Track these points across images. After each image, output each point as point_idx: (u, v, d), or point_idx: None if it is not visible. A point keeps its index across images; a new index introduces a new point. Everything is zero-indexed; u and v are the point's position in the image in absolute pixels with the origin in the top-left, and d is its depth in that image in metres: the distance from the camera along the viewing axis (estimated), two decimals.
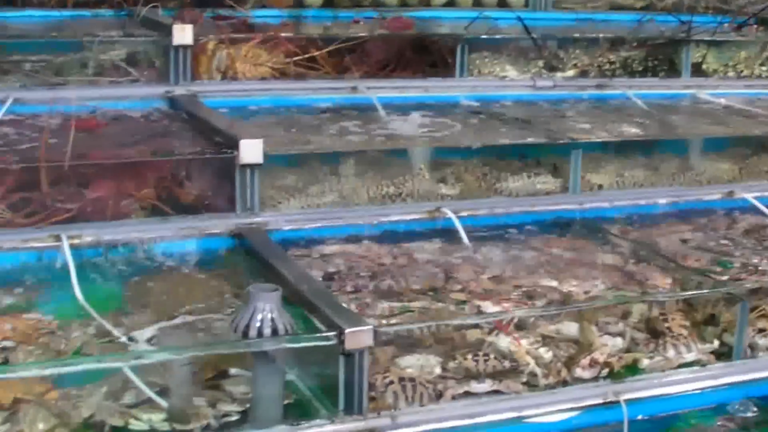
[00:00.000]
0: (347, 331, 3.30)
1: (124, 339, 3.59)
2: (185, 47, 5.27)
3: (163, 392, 3.43)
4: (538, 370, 3.71)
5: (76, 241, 4.14)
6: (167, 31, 5.32)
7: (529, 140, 5.27)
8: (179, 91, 5.24)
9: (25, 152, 4.44)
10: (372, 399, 3.43)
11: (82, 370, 3.36)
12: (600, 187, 5.31)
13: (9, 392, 3.37)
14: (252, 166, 4.41)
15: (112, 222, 4.35)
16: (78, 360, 3.46)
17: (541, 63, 6.42)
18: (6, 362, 3.47)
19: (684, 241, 4.81)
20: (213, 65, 5.56)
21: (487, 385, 3.62)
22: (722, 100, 6.28)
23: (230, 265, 4.25)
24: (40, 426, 3.27)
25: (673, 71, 6.64)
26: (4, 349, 3.56)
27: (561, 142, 5.18)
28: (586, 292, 4.15)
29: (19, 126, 4.73)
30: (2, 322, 3.71)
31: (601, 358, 3.78)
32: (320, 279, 4.06)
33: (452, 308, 3.96)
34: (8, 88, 5.05)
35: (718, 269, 4.43)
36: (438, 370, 3.68)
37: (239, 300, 3.59)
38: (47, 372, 3.41)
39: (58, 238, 4.13)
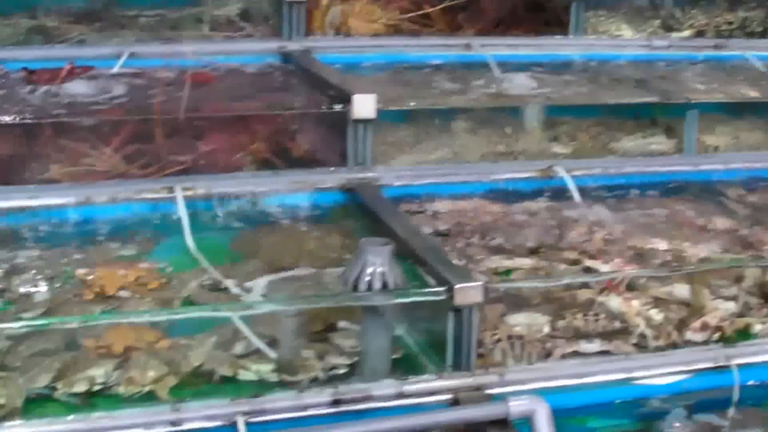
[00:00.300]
0: (457, 286, 3.29)
1: (234, 290, 3.62)
2: (299, 3, 5.27)
3: (272, 343, 3.46)
4: (649, 332, 3.66)
5: (189, 193, 4.18)
6: None
7: (644, 100, 5.17)
8: (292, 46, 5.24)
9: (141, 105, 4.48)
10: (480, 356, 3.42)
11: (192, 319, 3.41)
12: (715, 149, 5.21)
13: (121, 340, 3.43)
14: (364, 121, 4.40)
15: (225, 175, 4.38)
16: (189, 309, 3.51)
17: (657, 23, 6.30)
18: (118, 309, 3.51)
19: None
20: (326, 21, 5.57)
21: (596, 345, 3.58)
22: None
23: (340, 220, 4.26)
24: (151, 373, 3.31)
25: None
26: (118, 297, 3.61)
27: (676, 102, 5.09)
28: (698, 255, 4.08)
29: (134, 79, 4.78)
30: (116, 271, 3.76)
31: (713, 322, 3.72)
32: (430, 235, 4.05)
33: (563, 267, 3.93)
34: (124, 43, 5.10)
35: None
36: (547, 329, 3.65)
37: (349, 254, 3.59)
38: (158, 320, 3.47)
39: (171, 190, 4.18)
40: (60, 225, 4.17)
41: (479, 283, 3.33)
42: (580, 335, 3.61)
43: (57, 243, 4.05)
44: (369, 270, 3.28)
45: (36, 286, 3.69)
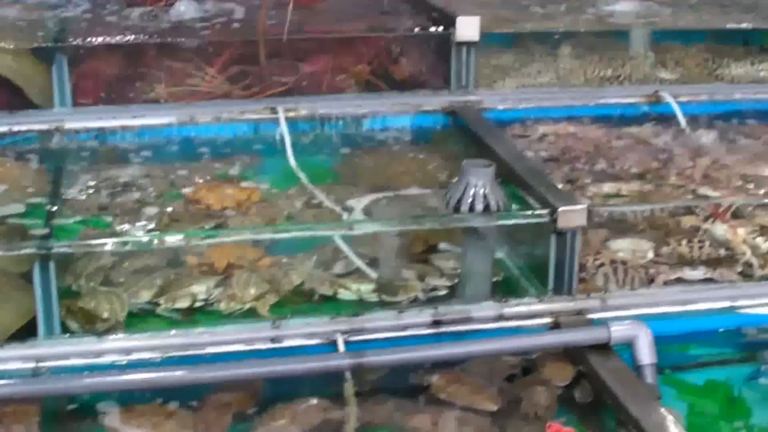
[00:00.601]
0: (560, 209, 3.25)
1: (336, 209, 3.62)
2: None
3: (372, 263, 3.46)
4: (755, 260, 3.59)
5: (291, 113, 4.19)
6: None
7: (755, 25, 5.05)
8: None
9: (244, 27, 4.49)
10: (582, 281, 3.39)
11: (294, 239, 3.42)
12: None
13: (223, 257, 3.45)
14: (468, 44, 4.37)
15: (327, 96, 4.38)
16: (290, 227, 3.52)
17: None
18: (221, 227, 3.54)
19: None
20: None
21: (700, 273, 3.53)
22: None
23: (443, 142, 4.23)
24: (252, 291, 3.33)
25: None
26: (221, 215, 3.63)
27: None
28: None
29: (237, 1, 4.78)
30: (220, 189, 3.78)
31: None
32: (534, 158, 4.01)
33: (668, 193, 3.86)
34: None
35: None
36: (650, 255, 3.60)
37: (451, 176, 3.57)
38: (261, 238, 3.48)
39: (274, 111, 4.19)
40: (165, 144, 4.21)
41: (583, 206, 3.29)
42: (684, 262, 3.56)
43: (162, 162, 4.09)
44: (471, 191, 3.26)
45: (141, 203, 3.73)
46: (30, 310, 3.11)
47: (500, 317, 3.21)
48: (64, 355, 3.01)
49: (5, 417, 2.85)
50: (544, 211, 3.28)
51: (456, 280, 3.42)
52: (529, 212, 3.32)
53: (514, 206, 3.36)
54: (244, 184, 3.88)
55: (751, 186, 3.96)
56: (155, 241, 3.27)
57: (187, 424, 2.80)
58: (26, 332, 3.09)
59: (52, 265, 3.07)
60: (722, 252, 3.62)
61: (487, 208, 3.26)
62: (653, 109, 4.55)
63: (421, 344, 3.08)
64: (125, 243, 3.31)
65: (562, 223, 3.25)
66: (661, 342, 3.10)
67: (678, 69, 4.96)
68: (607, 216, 3.66)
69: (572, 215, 3.26)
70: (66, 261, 3.41)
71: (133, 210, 3.65)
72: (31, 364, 2.98)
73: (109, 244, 3.23)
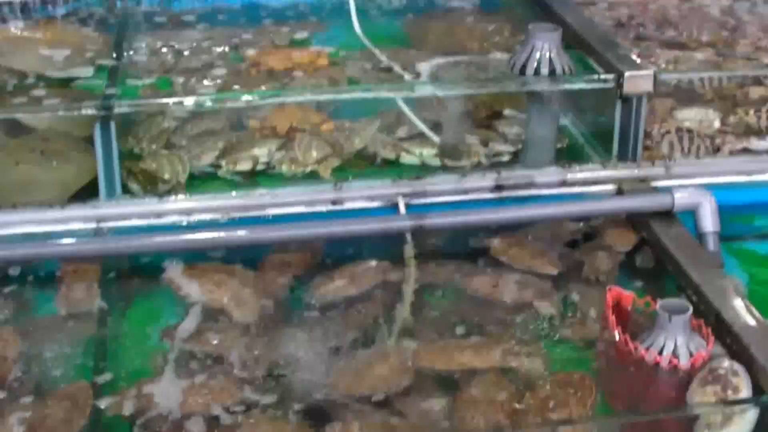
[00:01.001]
0: (627, 74, 3.19)
1: (401, 73, 3.58)
2: None
3: (435, 128, 3.44)
4: None
5: None
6: None
7: None
8: None
9: None
10: (646, 149, 3.35)
11: (357, 103, 3.40)
12: None
13: (285, 120, 3.44)
14: None
15: None
16: (353, 88, 3.49)
17: None
18: (281, 90, 3.52)
19: None
20: None
21: (767, 143, 3.47)
22: None
23: (511, 8, 4.17)
24: (314, 154, 3.33)
25: None
26: (286, 78, 3.61)
27: None
28: None
29: None
30: (284, 52, 3.77)
31: None
32: (601, 25, 3.94)
33: (737, 62, 3.79)
34: None
35: None
36: (717, 125, 3.55)
37: (518, 42, 3.51)
38: (324, 99, 3.47)
39: None
40: (229, 8, 4.19)
41: (649, 71, 3.23)
42: (750, 132, 3.50)
43: (226, 27, 4.07)
44: (537, 55, 3.22)
45: (205, 66, 3.72)
46: (91, 171, 3.13)
47: (563, 183, 3.18)
48: (124, 215, 3.04)
49: (66, 276, 2.88)
50: (610, 76, 3.23)
51: (520, 146, 3.39)
52: (595, 77, 3.26)
53: (580, 72, 3.31)
54: (309, 47, 3.86)
55: None
56: (217, 102, 3.27)
57: (248, 282, 2.81)
58: (88, 194, 3.12)
59: (113, 126, 3.07)
60: None
61: (552, 72, 3.22)
62: None
63: (482, 208, 3.07)
64: (184, 103, 3.30)
65: (628, 89, 3.20)
66: (724, 212, 3.06)
67: None
68: (673, 84, 3.61)
69: (638, 81, 3.20)
70: (128, 124, 3.42)
71: (196, 72, 3.65)
72: (93, 225, 3.01)
73: (169, 103, 3.23)
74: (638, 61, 3.36)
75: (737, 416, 2.25)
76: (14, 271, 2.89)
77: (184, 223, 3.03)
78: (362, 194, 3.09)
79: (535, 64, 3.21)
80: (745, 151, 3.45)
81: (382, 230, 2.94)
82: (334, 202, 3.08)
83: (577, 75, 3.27)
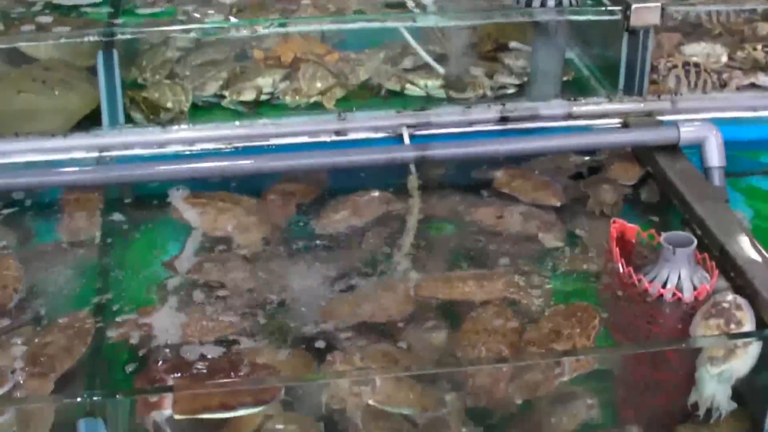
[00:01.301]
0: (634, 6, 3.16)
1: (408, 3, 3.55)
2: None
3: (441, 59, 3.42)
4: None
5: None
6: None
7: None
8: None
9: None
10: (653, 83, 3.33)
11: (362, 34, 3.38)
12: None
13: (290, 50, 3.42)
14: None
15: None
16: (358, 18, 3.46)
17: None
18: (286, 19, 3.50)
19: None
20: None
21: None
22: None
23: None
24: (318, 84, 3.31)
25: None
26: (290, 9, 3.59)
27: None
28: None
29: None
30: None
31: None
32: None
33: None
34: None
35: None
36: (724, 60, 3.53)
37: None
38: (329, 28, 3.44)
39: None
40: None
41: (657, 3, 3.20)
42: (758, 67, 3.48)
43: None
44: None
45: None
46: (94, 101, 3.11)
47: (569, 116, 3.16)
48: (127, 144, 3.02)
49: (68, 205, 2.87)
50: (617, 8, 3.19)
51: (525, 79, 3.37)
52: (602, 8, 3.23)
53: (586, 2, 3.28)
54: None
55: None
56: (221, 30, 3.25)
57: (252, 211, 2.80)
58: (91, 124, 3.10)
59: (115, 54, 3.04)
60: None
61: (559, 3, 3.20)
62: None
63: (487, 139, 3.06)
64: (187, 31, 3.28)
65: (635, 21, 3.17)
66: (730, 147, 3.04)
67: None
68: (681, 18, 3.57)
69: (646, 13, 3.17)
70: (132, 55, 3.40)
71: (203, 1, 3.62)
72: (95, 154, 3.00)
73: (172, 30, 3.21)
74: None
75: (740, 350, 2.24)
76: (16, 200, 2.87)
77: (188, 153, 3.01)
78: (366, 125, 3.07)
79: None
80: (753, 86, 3.43)
81: (386, 161, 2.93)
82: (337, 133, 3.06)
83: (584, 6, 3.24)
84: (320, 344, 2.35)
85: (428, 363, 2.34)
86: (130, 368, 2.30)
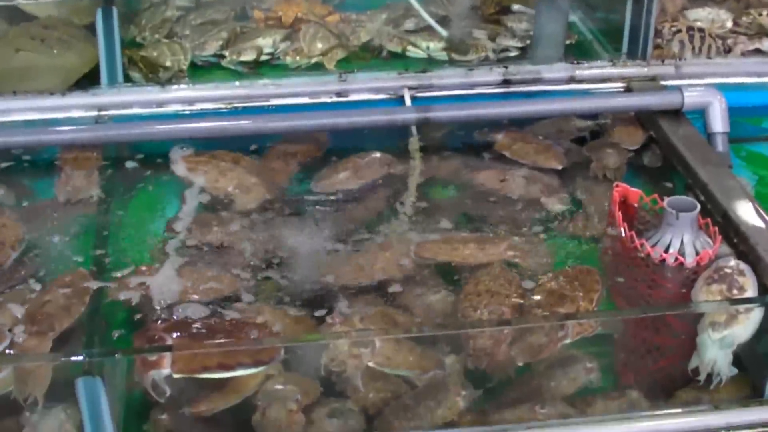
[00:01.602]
0: None
1: None
2: None
3: (443, 22, 3.39)
4: None
5: None
6: None
7: None
8: None
9: None
10: (657, 47, 3.30)
11: None
12: None
13: (290, 10, 3.40)
14: None
15: None
16: None
17: None
18: None
19: None
20: None
21: None
22: None
23: None
24: (319, 45, 3.29)
25: None
26: None
27: None
28: None
29: None
30: None
31: None
32: None
33: None
34: None
35: None
36: (729, 25, 3.50)
37: None
38: None
39: None
40: None
41: None
42: (763, 33, 3.45)
43: None
44: None
45: None
46: (93, 59, 3.09)
47: (571, 79, 3.14)
48: (126, 104, 3.00)
49: (66, 163, 2.85)
50: None
51: (528, 42, 3.34)
52: None
53: None
54: None
55: None
56: None
57: (253, 170, 2.78)
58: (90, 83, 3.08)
59: (115, 12, 3.03)
60: None
61: None
62: None
63: (489, 101, 3.04)
64: None
65: None
66: (734, 114, 3.02)
67: None
68: None
69: None
70: (131, 14, 3.37)
71: None
72: (94, 113, 2.98)
73: None
74: None
75: (742, 315, 2.22)
76: (14, 158, 2.85)
77: (187, 113, 2.99)
78: (367, 86, 3.06)
79: None
80: (757, 52, 3.40)
81: (387, 122, 2.91)
82: (338, 94, 3.05)
83: None
84: (319, 304, 2.34)
85: (429, 325, 2.32)
86: (128, 327, 2.29)
